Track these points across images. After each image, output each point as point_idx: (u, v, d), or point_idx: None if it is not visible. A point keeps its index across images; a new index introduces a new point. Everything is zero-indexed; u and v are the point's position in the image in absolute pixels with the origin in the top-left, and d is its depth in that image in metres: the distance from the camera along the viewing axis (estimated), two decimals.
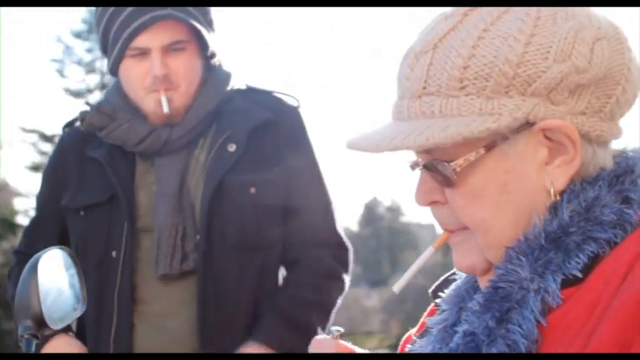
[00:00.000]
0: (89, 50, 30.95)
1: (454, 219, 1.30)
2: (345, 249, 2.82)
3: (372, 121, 1.33)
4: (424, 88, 1.25)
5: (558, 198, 1.23)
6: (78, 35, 31.21)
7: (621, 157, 1.28)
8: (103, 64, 30.32)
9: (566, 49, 1.20)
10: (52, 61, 33.11)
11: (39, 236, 2.86)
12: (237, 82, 2.83)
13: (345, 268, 2.80)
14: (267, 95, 2.83)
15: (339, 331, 1.56)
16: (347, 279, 2.81)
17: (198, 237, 2.62)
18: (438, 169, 1.26)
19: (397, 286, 1.39)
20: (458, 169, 1.24)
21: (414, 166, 1.35)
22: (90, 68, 30.82)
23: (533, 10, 1.22)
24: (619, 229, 1.20)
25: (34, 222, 2.95)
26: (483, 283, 1.31)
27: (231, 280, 2.63)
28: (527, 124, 1.21)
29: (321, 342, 1.57)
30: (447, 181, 1.26)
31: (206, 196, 2.62)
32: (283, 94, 2.84)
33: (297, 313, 2.67)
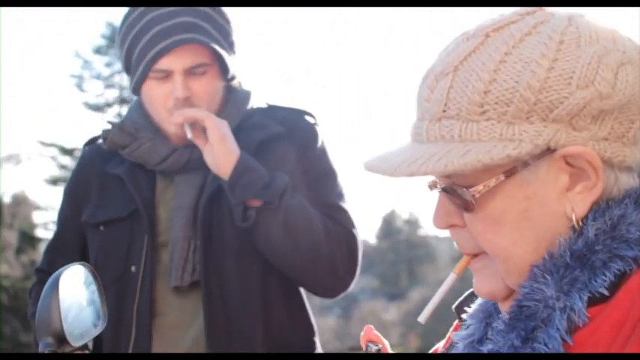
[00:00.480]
0: (108, 65, 31.15)
1: (473, 243, 1.29)
2: (355, 239, 2.75)
3: (389, 138, 1.31)
4: (444, 111, 1.23)
5: (580, 224, 1.21)
6: (97, 50, 31.42)
7: None
8: (121, 78, 30.51)
9: (590, 75, 1.18)
10: (71, 76, 33.28)
11: (60, 253, 2.87)
12: (257, 101, 2.84)
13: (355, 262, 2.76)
14: (284, 111, 2.84)
15: (377, 348, 1.56)
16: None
17: (197, 242, 2.64)
18: (457, 193, 1.24)
19: (422, 316, 1.39)
20: (477, 195, 1.22)
21: (432, 187, 1.33)
22: (109, 83, 31.02)
23: (556, 34, 1.21)
24: None
25: (55, 239, 2.96)
26: (504, 307, 1.29)
27: (235, 286, 2.64)
28: (549, 151, 1.19)
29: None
30: (466, 206, 1.25)
31: (204, 202, 2.65)
32: (302, 111, 2.85)
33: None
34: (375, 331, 1.58)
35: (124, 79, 30.43)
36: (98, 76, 31.23)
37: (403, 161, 1.23)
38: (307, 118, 2.83)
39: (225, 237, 2.64)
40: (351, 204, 2.80)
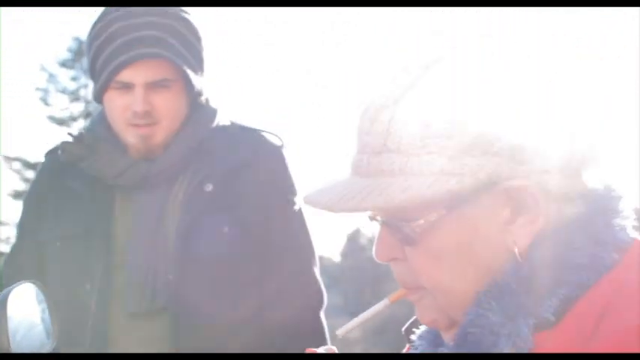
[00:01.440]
0: (74, 78, 31.00)
1: (412, 278, 1.27)
2: (322, 296, 2.79)
3: (332, 173, 1.30)
4: (384, 144, 1.21)
5: (525, 256, 1.20)
6: (63, 64, 31.24)
7: (592, 199, 1.25)
8: (87, 92, 30.37)
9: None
10: (36, 90, 33.06)
11: (18, 268, 2.81)
12: (222, 119, 2.80)
13: (322, 320, 2.78)
14: (250, 133, 2.80)
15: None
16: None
17: (170, 276, 2.58)
18: (398, 227, 1.23)
19: (342, 330, 1.38)
20: (418, 230, 1.21)
21: (372, 218, 1.31)
22: (74, 96, 30.85)
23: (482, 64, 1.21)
24: (592, 272, 1.18)
25: (13, 253, 2.90)
26: (447, 336, 1.29)
27: (205, 319, 2.58)
28: (490, 184, 1.18)
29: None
30: (406, 240, 1.23)
31: (179, 235, 2.59)
32: (267, 132, 2.81)
33: None
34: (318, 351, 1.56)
35: (90, 93, 30.35)
36: (64, 90, 31.06)
37: (344, 196, 1.21)
38: (274, 141, 2.79)
39: (199, 273, 2.59)
40: (314, 237, 2.79)
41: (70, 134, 2.75)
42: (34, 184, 2.90)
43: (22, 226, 2.88)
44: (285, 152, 2.78)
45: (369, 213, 1.31)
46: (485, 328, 1.18)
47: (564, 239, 1.20)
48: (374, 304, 1.39)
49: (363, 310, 1.42)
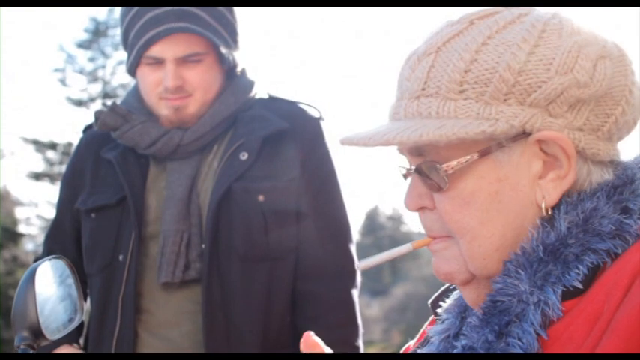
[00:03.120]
0: (91, 59, 30.99)
1: (439, 225, 1.29)
2: (354, 273, 2.78)
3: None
4: (423, 89, 1.25)
5: (549, 213, 1.22)
6: (80, 45, 31.24)
7: (620, 168, 1.27)
8: (105, 72, 30.41)
9: (569, 62, 1.19)
10: (54, 71, 33.10)
11: (57, 242, 2.86)
12: (260, 91, 2.81)
13: (355, 297, 2.77)
14: (287, 104, 2.80)
15: None
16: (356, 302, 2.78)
17: (203, 246, 2.59)
18: (430, 171, 1.25)
19: (363, 263, 1.39)
20: (450, 172, 1.23)
21: (407, 175, 1.34)
22: (92, 77, 30.86)
23: (539, 23, 1.22)
24: (619, 239, 1.19)
25: (53, 227, 2.95)
26: (465, 294, 1.30)
27: (238, 290, 2.59)
28: (524, 134, 1.20)
29: None
30: (437, 185, 1.25)
31: (213, 203, 2.59)
32: (305, 104, 2.81)
33: None
34: (314, 337, 1.52)
35: (108, 74, 30.35)
36: (81, 71, 31.07)
37: (378, 133, 1.24)
38: (312, 112, 2.79)
39: (232, 243, 2.60)
40: (351, 212, 2.79)
41: (104, 104, 2.77)
42: (71, 160, 2.94)
43: (61, 200, 2.92)
44: (323, 124, 2.78)
45: (402, 171, 1.33)
46: (514, 297, 1.19)
47: (590, 207, 1.21)
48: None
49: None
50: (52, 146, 29.72)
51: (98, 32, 30.63)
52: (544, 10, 1.27)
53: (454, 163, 1.22)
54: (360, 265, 1.40)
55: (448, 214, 1.26)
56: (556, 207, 1.23)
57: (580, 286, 1.17)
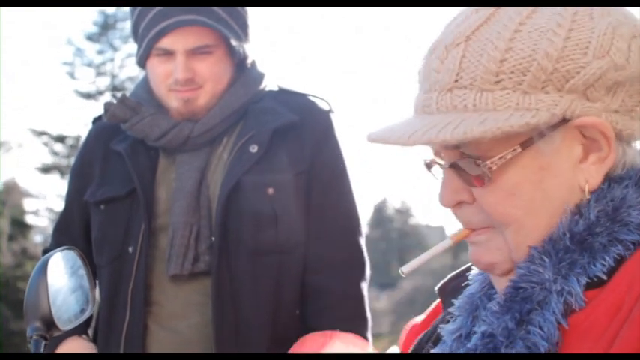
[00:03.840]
0: (100, 52, 31.04)
1: (480, 218, 1.26)
2: (364, 267, 2.76)
3: (392, 115, 1.28)
4: (456, 81, 1.21)
5: (588, 197, 1.20)
6: (89, 37, 31.28)
7: None
8: (113, 66, 30.46)
9: (605, 45, 1.17)
10: (63, 64, 33.14)
11: (66, 234, 2.85)
12: (270, 83, 2.80)
13: (364, 290, 2.75)
14: (297, 97, 2.78)
15: None
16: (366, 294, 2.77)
17: (213, 238, 2.59)
18: (469, 167, 1.22)
19: (406, 267, 1.34)
20: (494, 168, 1.20)
21: (430, 165, 1.30)
22: (100, 70, 30.90)
23: (569, 8, 1.20)
24: None
25: (61, 219, 2.94)
26: (501, 284, 1.27)
27: (247, 283, 2.57)
28: (564, 121, 1.18)
29: None
30: (479, 180, 1.22)
31: (222, 196, 2.58)
32: (315, 96, 2.79)
33: None
34: None
35: (116, 67, 30.39)
36: (90, 64, 31.11)
37: (416, 130, 1.20)
38: (322, 105, 2.77)
39: (241, 236, 2.59)
40: (361, 205, 2.77)
41: (113, 96, 2.77)
42: (80, 151, 2.93)
43: (70, 192, 2.91)
44: (333, 117, 2.76)
45: (426, 161, 1.30)
46: (537, 284, 1.18)
47: (619, 196, 1.20)
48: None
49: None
50: (61, 139, 29.78)
51: (107, 25, 30.67)
52: None
53: (496, 158, 1.20)
54: (404, 269, 1.38)
55: (492, 206, 1.23)
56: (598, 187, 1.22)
57: (604, 277, 1.16)
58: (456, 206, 1.29)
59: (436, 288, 1.48)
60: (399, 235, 52.81)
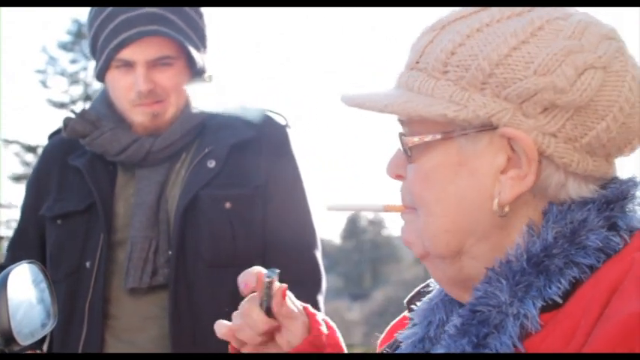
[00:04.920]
0: (73, 61, 30.93)
1: (410, 198, 1.30)
2: (321, 280, 2.77)
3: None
4: (417, 62, 1.27)
5: (506, 209, 1.20)
6: (63, 46, 31.18)
7: (615, 183, 1.24)
8: (87, 75, 30.34)
9: (551, 65, 1.16)
10: (35, 72, 32.99)
11: (22, 249, 2.82)
12: (226, 97, 2.80)
13: (320, 304, 2.74)
14: (254, 112, 2.77)
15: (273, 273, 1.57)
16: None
17: (170, 252, 2.59)
18: (400, 141, 1.29)
19: (331, 205, 1.42)
20: (410, 145, 1.26)
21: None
22: (73, 79, 30.80)
23: (540, 21, 1.20)
24: (602, 255, 1.18)
25: (17, 234, 2.91)
26: (429, 270, 1.32)
27: (204, 296, 2.58)
28: (491, 126, 1.19)
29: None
30: (405, 155, 1.28)
31: (180, 209, 2.59)
32: (272, 111, 2.80)
33: None
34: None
35: (89, 76, 30.27)
36: (63, 73, 31.01)
37: (361, 96, 1.29)
38: (279, 120, 2.79)
39: (199, 248, 2.59)
40: (318, 216, 2.79)
41: (72, 111, 2.76)
42: (37, 165, 2.91)
43: (25, 206, 2.89)
44: (290, 131, 2.78)
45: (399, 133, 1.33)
46: (494, 307, 1.18)
47: (580, 218, 1.20)
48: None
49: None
50: (32, 149, 29.61)
51: (80, 34, 30.56)
52: (563, 9, 1.24)
53: (416, 138, 1.25)
54: (330, 205, 1.41)
55: (411, 183, 1.28)
56: (546, 214, 1.21)
57: (559, 300, 1.16)
58: (398, 178, 1.34)
59: (405, 301, 1.49)
60: (372, 246, 52.87)
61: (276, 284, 1.57)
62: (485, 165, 1.21)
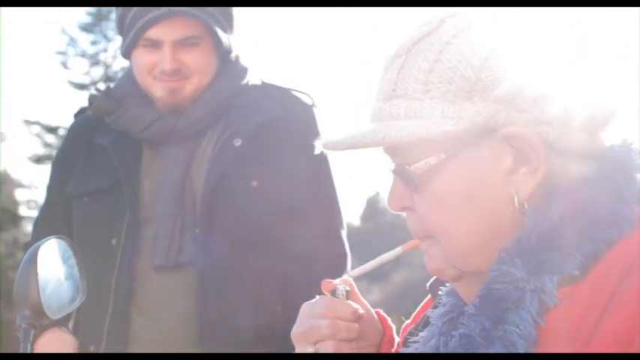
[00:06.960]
0: (94, 43, 30.87)
1: (421, 227, 1.30)
2: (346, 259, 2.79)
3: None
4: (393, 90, 1.25)
5: (526, 206, 1.21)
6: (83, 27, 31.15)
7: (611, 153, 1.25)
8: (107, 56, 30.30)
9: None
10: (56, 53, 32.98)
11: (48, 226, 2.85)
12: (253, 78, 2.81)
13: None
14: (281, 92, 2.82)
15: (345, 288, 1.53)
16: None
17: (197, 230, 2.60)
18: (403, 172, 1.26)
19: (353, 272, 1.44)
20: (418, 172, 1.23)
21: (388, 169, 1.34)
22: (94, 60, 30.73)
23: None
24: (615, 228, 1.19)
25: (43, 212, 2.95)
26: (459, 290, 1.31)
27: (230, 274, 2.60)
28: (490, 131, 1.19)
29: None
30: (411, 185, 1.26)
31: (207, 188, 2.61)
32: (298, 91, 2.82)
33: None
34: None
35: (110, 58, 30.29)
36: (83, 54, 30.98)
37: (349, 136, 1.26)
38: (304, 99, 2.80)
39: (225, 227, 2.61)
40: (342, 199, 2.80)
41: (97, 89, 2.77)
42: (63, 144, 2.96)
43: (51, 184, 2.92)
44: (316, 111, 2.79)
45: (389, 166, 1.32)
46: (510, 284, 1.19)
47: (585, 195, 1.20)
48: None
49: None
50: (53, 130, 29.67)
51: (101, 15, 30.55)
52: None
53: (421, 163, 1.23)
54: (351, 272, 1.41)
55: (425, 214, 1.27)
56: (548, 197, 1.22)
57: (577, 273, 1.17)
58: (404, 211, 1.33)
59: (427, 285, 1.50)
60: (391, 229, 52.75)
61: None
62: (494, 172, 1.22)
